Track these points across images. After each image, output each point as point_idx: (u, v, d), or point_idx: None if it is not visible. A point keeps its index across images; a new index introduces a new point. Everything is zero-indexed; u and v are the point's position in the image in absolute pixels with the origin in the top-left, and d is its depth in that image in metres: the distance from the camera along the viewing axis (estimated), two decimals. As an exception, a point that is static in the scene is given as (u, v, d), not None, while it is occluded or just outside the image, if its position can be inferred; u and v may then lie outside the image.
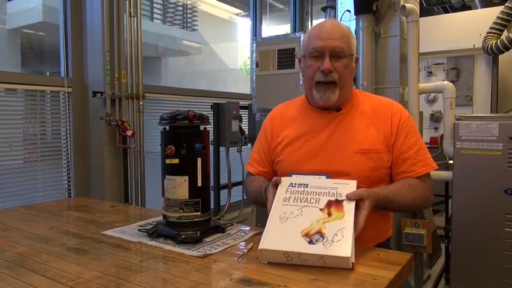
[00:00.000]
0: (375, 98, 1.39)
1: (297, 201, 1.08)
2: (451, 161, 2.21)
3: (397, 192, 1.19)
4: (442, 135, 2.31)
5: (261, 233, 1.25)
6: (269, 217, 1.06)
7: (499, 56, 3.32)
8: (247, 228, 1.32)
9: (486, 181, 1.97)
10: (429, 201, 1.31)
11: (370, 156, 1.26)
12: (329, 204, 1.05)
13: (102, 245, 1.16)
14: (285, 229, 1.01)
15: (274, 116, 1.45)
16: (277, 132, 1.40)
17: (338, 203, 1.05)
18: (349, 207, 1.03)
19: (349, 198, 1.06)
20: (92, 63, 2.49)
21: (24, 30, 3.43)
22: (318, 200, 1.07)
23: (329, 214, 1.02)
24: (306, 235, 0.97)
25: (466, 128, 2.01)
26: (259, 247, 0.98)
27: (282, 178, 1.15)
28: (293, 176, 1.21)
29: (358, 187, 1.24)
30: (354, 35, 1.32)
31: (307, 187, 1.11)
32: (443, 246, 2.74)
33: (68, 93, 2.44)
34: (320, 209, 1.04)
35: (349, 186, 1.09)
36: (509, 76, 3.48)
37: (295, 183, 1.13)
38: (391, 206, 1.19)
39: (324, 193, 1.08)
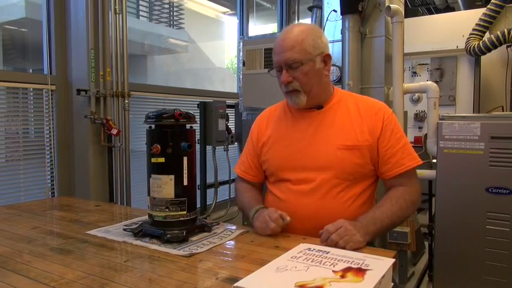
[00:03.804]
0: (358, 97, 1.41)
1: (307, 261, 0.91)
2: (434, 160, 2.24)
3: (386, 219, 1.22)
4: (426, 134, 2.35)
5: (247, 232, 1.26)
6: (264, 266, 0.89)
7: (481, 57, 3.39)
8: (234, 227, 1.32)
9: (468, 180, 2.00)
10: (417, 203, 1.33)
11: (353, 152, 1.28)
12: (347, 269, 0.86)
13: (86, 245, 1.15)
14: (277, 277, 0.83)
15: (261, 119, 1.50)
16: (262, 133, 1.44)
17: (360, 270, 0.85)
18: (373, 276, 0.82)
19: (348, 249, 1.04)
20: (76, 60, 2.45)
21: (6, 26, 3.36)
22: (334, 264, 0.89)
23: (342, 277, 0.82)
24: (301, 286, 0.77)
25: (449, 128, 2.05)
26: (234, 284, 0.80)
27: (301, 244, 1.02)
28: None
29: (338, 182, 1.28)
30: (317, 34, 1.29)
31: (327, 253, 0.95)
32: (426, 244, 2.78)
33: (51, 91, 2.40)
34: (333, 271, 0.85)
35: (383, 262, 0.90)
36: (491, 77, 3.55)
37: (314, 249, 0.98)
38: (386, 228, 1.24)
39: (345, 260, 0.91)
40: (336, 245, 1.07)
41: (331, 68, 2.40)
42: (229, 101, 3.29)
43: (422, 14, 5.81)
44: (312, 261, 0.90)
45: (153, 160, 1.18)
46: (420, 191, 1.34)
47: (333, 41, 2.47)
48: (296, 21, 4.73)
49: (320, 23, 3.17)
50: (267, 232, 1.21)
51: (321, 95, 1.33)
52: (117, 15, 2.49)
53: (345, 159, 1.27)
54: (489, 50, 3.19)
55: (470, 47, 3.26)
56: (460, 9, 4.97)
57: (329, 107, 1.35)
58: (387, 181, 1.33)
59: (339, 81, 2.41)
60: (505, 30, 3.09)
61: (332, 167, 1.28)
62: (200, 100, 3.12)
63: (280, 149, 1.37)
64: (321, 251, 0.97)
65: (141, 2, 4.30)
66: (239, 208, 1.49)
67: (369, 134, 1.29)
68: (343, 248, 1.06)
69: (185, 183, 1.20)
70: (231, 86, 4.82)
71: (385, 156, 1.29)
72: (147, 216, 1.26)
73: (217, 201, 3.26)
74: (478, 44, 3.22)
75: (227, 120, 3.13)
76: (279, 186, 1.37)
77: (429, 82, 2.48)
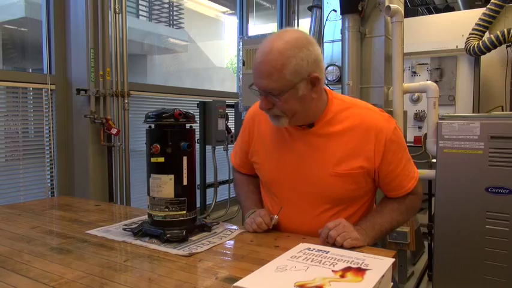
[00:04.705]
0: (356, 110, 1.23)
1: (306, 260, 0.91)
2: (434, 160, 2.24)
3: (385, 224, 1.21)
4: (426, 134, 2.35)
5: (247, 232, 1.26)
6: (263, 266, 0.89)
7: (481, 56, 3.39)
8: (234, 227, 1.32)
9: (468, 179, 2.01)
10: (417, 209, 1.33)
11: (346, 179, 1.19)
12: (347, 269, 0.86)
13: (85, 245, 1.15)
14: (277, 277, 0.83)
15: (255, 115, 1.36)
16: (253, 138, 1.36)
17: (360, 270, 0.85)
18: (372, 276, 0.82)
19: (345, 247, 1.05)
20: (76, 60, 2.45)
21: (6, 26, 3.36)
22: (334, 264, 0.89)
23: (342, 276, 0.83)
24: (301, 286, 0.77)
25: (448, 127, 2.05)
26: (234, 284, 0.80)
27: (301, 244, 1.02)
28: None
29: (330, 206, 1.23)
30: (302, 54, 1.08)
31: (327, 253, 0.96)
32: (426, 243, 2.78)
33: (51, 90, 2.39)
34: (333, 271, 0.85)
35: (383, 262, 0.90)
36: (490, 76, 3.55)
37: (314, 248, 0.99)
38: (385, 233, 1.23)
39: (345, 260, 0.91)
40: (334, 242, 1.07)
41: (331, 67, 2.43)
42: (229, 101, 3.29)
43: (422, 14, 5.81)
44: (311, 261, 0.90)
45: (153, 160, 1.18)
46: (421, 198, 1.32)
47: (333, 41, 2.47)
48: (296, 21, 4.73)
49: (320, 22, 3.17)
50: (253, 226, 1.23)
51: (307, 117, 1.20)
52: (117, 14, 2.49)
53: (336, 186, 1.20)
54: (489, 50, 3.19)
55: (470, 47, 3.27)
56: (459, 9, 4.98)
57: (321, 125, 1.21)
58: (388, 196, 1.30)
59: (339, 81, 2.41)
60: (505, 30, 3.09)
61: (321, 195, 1.22)
62: (200, 100, 3.12)
63: (270, 163, 1.30)
64: (321, 250, 0.97)
65: (140, 2, 4.30)
66: (236, 198, 1.51)
67: (366, 160, 1.18)
68: (341, 244, 1.06)
69: (185, 182, 1.20)
70: (230, 85, 4.82)
71: (386, 179, 1.23)
72: (146, 215, 1.26)
73: (216, 200, 3.26)
74: (478, 43, 3.22)
75: (227, 119, 3.13)
76: (271, 200, 1.33)
77: (429, 82, 2.48)
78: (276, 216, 1.24)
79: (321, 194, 1.22)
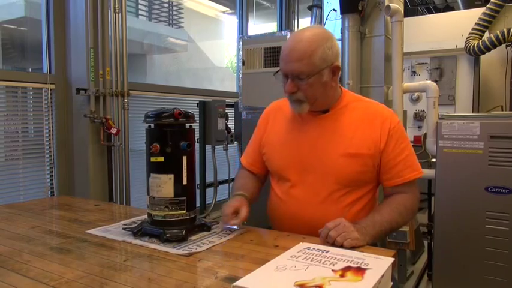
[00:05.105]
0: (366, 103, 1.38)
1: (306, 260, 0.91)
2: (434, 159, 2.24)
3: (385, 224, 1.22)
4: (426, 133, 2.35)
5: (247, 231, 1.26)
6: (263, 265, 0.89)
7: (481, 56, 3.39)
8: (233, 227, 1.32)
9: (468, 179, 2.01)
10: (415, 211, 1.35)
11: (355, 160, 1.27)
12: (347, 268, 0.86)
13: (85, 244, 1.15)
14: (276, 276, 0.83)
15: (271, 111, 1.49)
16: (270, 128, 1.45)
17: (359, 269, 0.85)
18: (372, 275, 0.82)
19: (345, 246, 1.04)
20: (76, 59, 2.45)
21: (6, 25, 3.36)
22: (334, 263, 0.89)
23: (342, 276, 0.83)
24: (300, 286, 0.77)
25: (448, 127, 2.05)
26: (233, 283, 0.80)
27: (300, 243, 1.03)
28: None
29: (338, 188, 1.27)
30: (328, 44, 1.23)
31: (327, 253, 0.96)
32: (426, 243, 2.78)
33: (50, 90, 2.39)
34: (332, 270, 0.85)
35: (383, 261, 0.90)
36: (490, 76, 3.55)
37: (314, 248, 0.99)
38: (385, 233, 1.24)
39: (345, 260, 0.91)
40: (334, 242, 1.07)
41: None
42: (229, 100, 3.29)
43: (422, 14, 5.81)
44: (311, 261, 0.90)
45: (153, 159, 1.18)
46: (419, 200, 1.36)
47: (333, 40, 2.47)
48: (295, 20, 4.73)
49: (320, 22, 3.17)
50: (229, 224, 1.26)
51: (325, 103, 1.32)
52: (117, 14, 2.49)
53: (346, 166, 1.27)
54: (489, 50, 3.19)
55: (469, 47, 3.26)
56: (459, 9, 4.98)
57: (334, 112, 1.33)
58: (387, 188, 1.34)
59: (339, 80, 2.41)
60: (505, 29, 3.09)
61: (333, 174, 1.28)
62: (200, 99, 3.12)
63: (282, 149, 1.37)
64: (321, 250, 0.97)
65: (140, 1, 4.29)
66: (232, 187, 1.56)
67: (373, 143, 1.27)
68: (341, 244, 1.06)
69: (184, 182, 1.20)
70: (230, 85, 4.82)
71: (387, 166, 1.29)
72: (146, 215, 1.26)
73: (216, 200, 3.26)
74: (478, 43, 3.22)
75: (227, 119, 3.13)
76: (281, 186, 1.38)
77: (429, 81, 2.47)
78: (236, 222, 1.24)
79: (331, 174, 1.28)
